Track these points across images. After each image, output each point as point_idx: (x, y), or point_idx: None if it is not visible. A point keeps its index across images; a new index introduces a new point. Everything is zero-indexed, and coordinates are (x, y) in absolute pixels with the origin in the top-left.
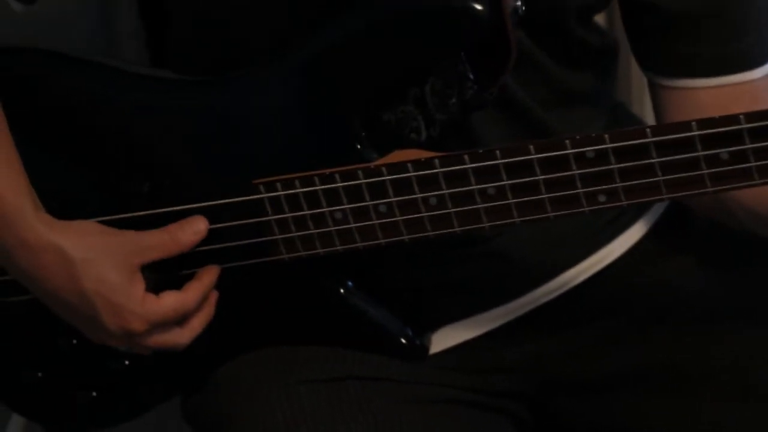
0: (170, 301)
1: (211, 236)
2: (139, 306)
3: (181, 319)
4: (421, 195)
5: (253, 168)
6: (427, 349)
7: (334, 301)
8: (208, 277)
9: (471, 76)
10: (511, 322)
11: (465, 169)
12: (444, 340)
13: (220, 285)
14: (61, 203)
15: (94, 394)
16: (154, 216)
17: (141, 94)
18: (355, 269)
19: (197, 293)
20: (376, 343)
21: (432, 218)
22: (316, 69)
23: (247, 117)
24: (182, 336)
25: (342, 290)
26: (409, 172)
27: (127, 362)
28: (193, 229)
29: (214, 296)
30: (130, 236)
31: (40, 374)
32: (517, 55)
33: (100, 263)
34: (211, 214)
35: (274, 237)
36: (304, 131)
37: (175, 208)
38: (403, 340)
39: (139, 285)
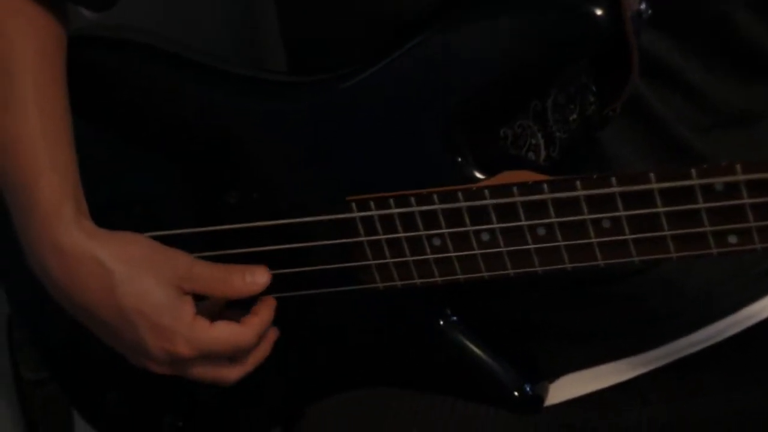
0: (225, 332)
1: (296, 258)
2: (188, 329)
3: (233, 355)
4: (528, 223)
5: (346, 184)
6: (542, 400)
7: (431, 337)
8: (266, 312)
9: (593, 89)
10: (651, 373)
11: (576, 196)
12: (564, 390)
13: (303, 314)
14: (126, 212)
15: (180, 423)
16: (230, 232)
17: (239, 94)
18: (461, 301)
19: (255, 329)
20: (481, 389)
21: (540, 251)
22: (429, 71)
23: (348, 123)
24: (232, 372)
25: (442, 323)
26: (515, 197)
27: (216, 391)
28: (253, 279)
29: (274, 334)
30: (182, 258)
31: (125, 398)
32: (654, 66)
33: (143, 278)
34: (295, 233)
35: (367, 262)
36: (407, 143)
37: (258, 224)
38: (515, 392)
39: (188, 307)
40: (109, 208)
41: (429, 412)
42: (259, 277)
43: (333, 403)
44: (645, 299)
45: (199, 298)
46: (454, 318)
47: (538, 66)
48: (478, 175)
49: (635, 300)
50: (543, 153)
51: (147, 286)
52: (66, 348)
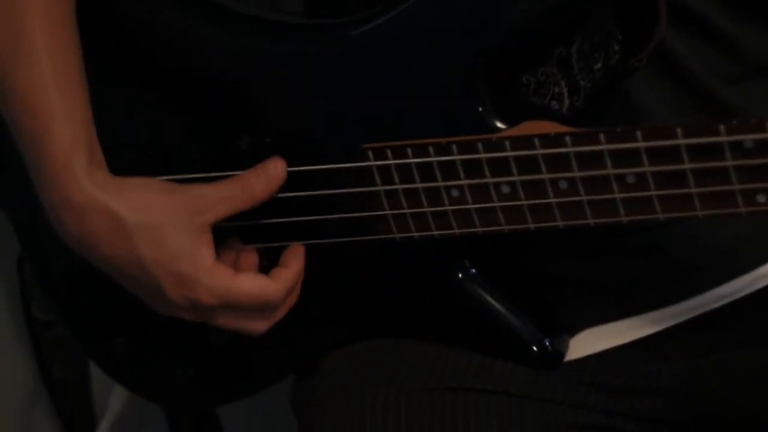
0: (251, 285)
1: (312, 206)
2: (207, 276)
3: (261, 308)
4: (549, 176)
5: (362, 131)
6: (562, 355)
7: (449, 289)
8: (296, 263)
9: (619, 38)
10: (672, 329)
11: (600, 150)
12: (584, 345)
13: (320, 263)
14: (138, 155)
15: (192, 371)
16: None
17: (251, 36)
18: (479, 253)
19: (285, 284)
20: (499, 344)
21: (561, 205)
22: (452, 15)
23: (365, 69)
24: (259, 324)
25: (460, 275)
26: (536, 149)
27: (227, 338)
28: (269, 173)
29: (300, 282)
30: (194, 191)
31: (134, 344)
32: (681, 13)
33: (158, 226)
34: (311, 181)
35: (384, 212)
36: (426, 90)
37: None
38: (534, 346)
39: (207, 251)
40: (120, 150)
41: (445, 364)
42: (276, 167)
43: (348, 353)
44: (669, 253)
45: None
46: (473, 270)
47: (564, 10)
48: (499, 124)
49: (659, 253)
50: (566, 102)
51: (162, 234)
52: (74, 290)
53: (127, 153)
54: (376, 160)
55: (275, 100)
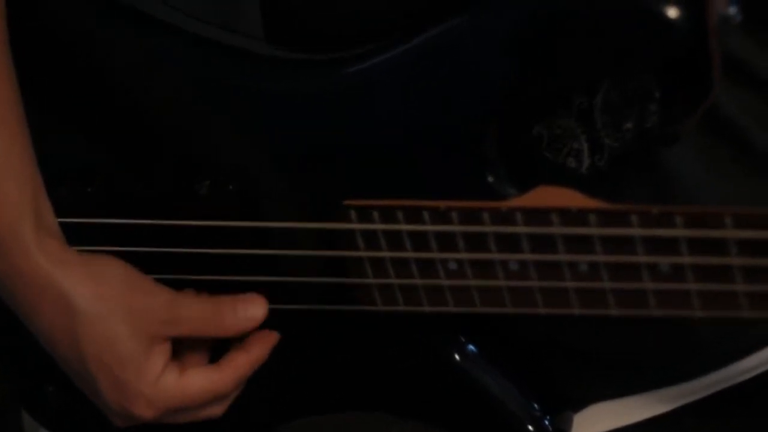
0: (197, 384)
1: (279, 266)
2: (151, 388)
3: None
4: (567, 258)
5: (344, 184)
6: None
7: (440, 369)
8: (258, 350)
9: (658, 97)
10: (689, 406)
11: (630, 235)
12: (590, 423)
13: (286, 326)
14: (74, 191)
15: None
16: (204, 231)
17: (214, 66)
18: (475, 324)
19: (239, 373)
20: (491, 425)
21: (580, 291)
22: (455, 57)
23: (351, 114)
24: (213, 411)
25: (457, 356)
26: (553, 226)
27: None
28: (248, 314)
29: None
30: (162, 297)
31: (68, 394)
32: (731, 66)
33: (111, 323)
34: (282, 239)
35: (366, 280)
36: (420, 140)
37: (228, 224)
38: (530, 425)
39: (157, 360)
40: (58, 183)
41: None
42: (254, 310)
43: (311, 424)
44: (686, 324)
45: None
46: (470, 348)
47: (588, 62)
48: (508, 188)
49: (675, 325)
50: (587, 161)
51: (113, 333)
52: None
53: (60, 188)
54: (359, 220)
55: (242, 141)
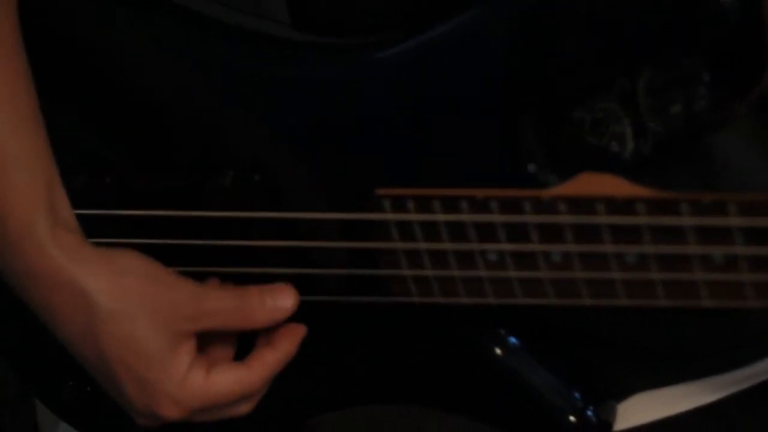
0: (226, 382)
1: (307, 257)
2: (177, 388)
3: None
4: (614, 249)
5: (376, 173)
6: (608, 426)
7: (480, 363)
8: (287, 345)
9: (707, 79)
10: (738, 395)
11: (681, 226)
12: (634, 413)
13: (316, 317)
14: (91, 181)
15: None
16: (228, 222)
17: (244, 54)
18: (515, 315)
19: (267, 370)
20: (530, 419)
21: (629, 283)
22: (481, 39)
23: (383, 99)
24: (241, 410)
25: (498, 351)
26: (599, 215)
27: None
28: (277, 305)
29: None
30: (187, 289)
31: (89, 387)
32: None
33: (134, 320)
34: (310, 229)
35: (400, 271)
36: (457, 125)
37: (261, 214)
38: (572, 416)
39: (183, 358)
40: (75, 173)
41: None
42: (283, 300)
43: (345, 419)
44: (736, 312)
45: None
46: (513, 340)
47: (632, 40)
48: (549, 175)
49: (724, 314)
50: (630, 145)
51: (136, 331)
52: (16, 328)
53: (77, 179)
54: (393, 210)
55: (268, 130)
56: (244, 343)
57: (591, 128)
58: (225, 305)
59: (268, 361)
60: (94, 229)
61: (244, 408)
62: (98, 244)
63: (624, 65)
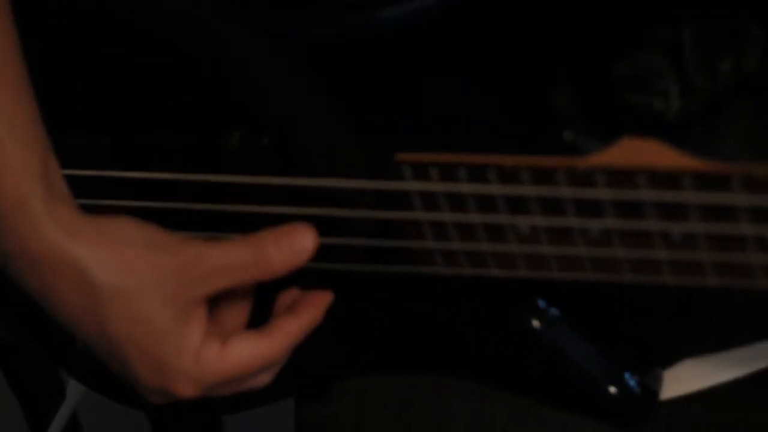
0: (245, 354)
1: (323, 226)
2: (193, 363)
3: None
4: (659, 226)
5: (395, 136)
6: (654, 394)
7: (516, 336)
8: (311, 315)
9: (757, 35)
10: None
11: (732, 203)
12: (683, 380)
13: (339, 286)
14: (89, 142)
15: None
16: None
17: (250, 8)
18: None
19: (286, 341)
20: (570, 394)
21: (674, 263)
22: None
23: (402, 55)
24: (260, 380)
25: (536, 323)
26: (641, 189)
27: None
28: (295, 247)
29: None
30: (191, 251)
31: None
32: None
33: (139, 294)
34: (321, 194)
35: (425, 243)
36: (483, 90)
37: (269, 180)
38: (612, 388)
39: (195, 330)
40: (71, 131)
41: (495, 414)
42: (301, 241)
43: (373, 384)
44: None
45: None
46: (553, 311)
47: None
48: (584, 139)
49: None
50: (676, 102)
51: (142, 306)
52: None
53: (74, 138)
54: (415, 177)
55: (279, 90)
56: (258, 308)
57: (631, 84)
58: (237, 258)
59: (290, 329)
60: (89, 191)
61: (264, 379)
62: (93, 208)
63: (667, 12)
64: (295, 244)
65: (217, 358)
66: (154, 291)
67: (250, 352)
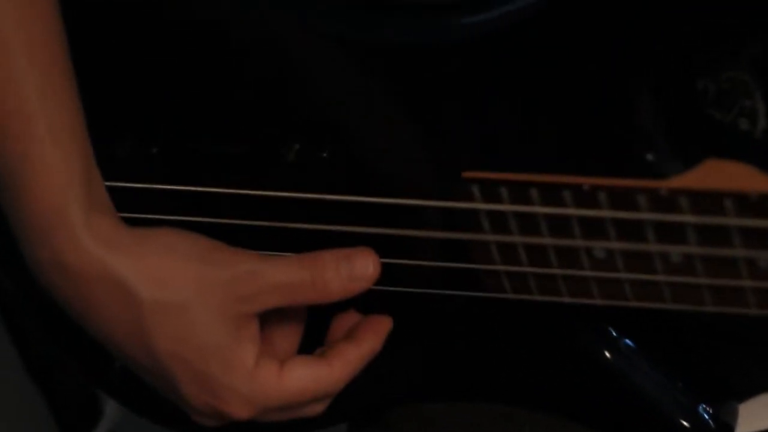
0: (304, 380)
1: (384, 246)
2: (247, 382)
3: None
4: (745, 255)
5: (464, 155)
6: (730, 429)
7: (588, 365)
8: (372, 343)
9: None
10: None
11: None
12: (759, 415)
13: (400, 312)
14: (135, 152)
15: None
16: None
17: (321, 11)
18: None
19: (346, 370)
20: (640, 428)
21: (760, 292)
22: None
23: (474, 68)
24: (313, 410)
25: (608, 355)
26: (728, 216)
27: None
28: (355, 273)
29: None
30: (242, 266)
31: None
32: None
33: (183, 309)
34: (383, 212)
35: (494, 267)
36: (560, 107)
37: (329, 197)
38: (685, 420)
39: (247, 347)
40: (117, 141)
41: None
42: (361, 268)
43: (424, 412)
44: None
45: None
46: (627, 342)
47: None
48: (666, 160)
49: None
50: (763, 122)
51: (188, 321)
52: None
53: (120, 147)
54: (484, 197)
55: (345, 99)
56: (311, 327)
57: (716, 101)
58: (292, 276)
59: (350, 358)
60: (135, 204)
61: (318, 408)
62: (138, 223)
63: (754, 27)
64: (355, 270)
65: (275, 380)
66: (198, 305)
67: (309, 379)
